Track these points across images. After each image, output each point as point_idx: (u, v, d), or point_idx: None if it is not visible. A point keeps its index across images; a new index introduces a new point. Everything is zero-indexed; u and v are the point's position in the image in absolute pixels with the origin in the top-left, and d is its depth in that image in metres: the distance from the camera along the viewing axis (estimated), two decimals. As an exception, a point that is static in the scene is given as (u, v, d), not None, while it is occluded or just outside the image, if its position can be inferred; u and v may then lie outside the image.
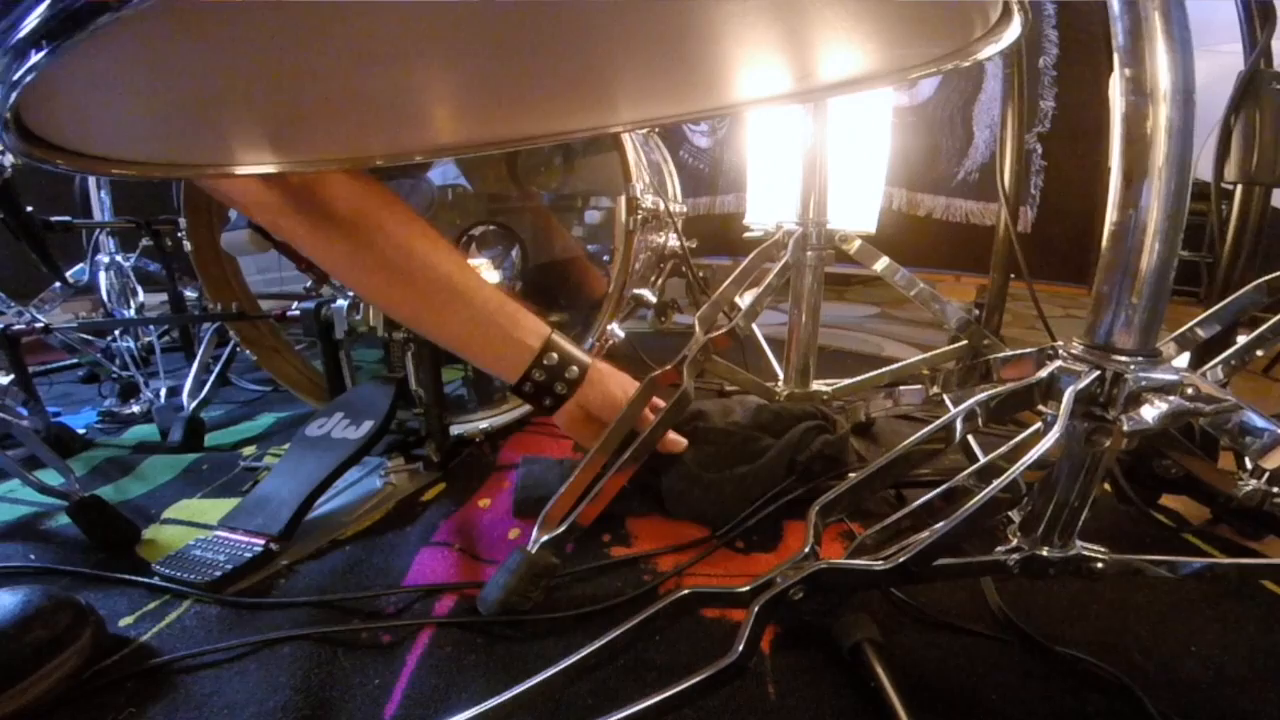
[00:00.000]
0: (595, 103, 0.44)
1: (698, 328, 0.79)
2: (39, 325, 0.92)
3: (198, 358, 1.02)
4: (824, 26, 0.32)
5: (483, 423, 0.87)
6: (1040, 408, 0.42)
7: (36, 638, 0.44)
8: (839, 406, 0.84)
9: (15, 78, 0.20)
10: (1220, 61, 0.71)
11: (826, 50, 0.36)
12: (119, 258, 1.24)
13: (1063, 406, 0.38)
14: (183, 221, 0.92)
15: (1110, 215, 0.36)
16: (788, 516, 0.67)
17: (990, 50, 0.33)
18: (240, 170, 0.46)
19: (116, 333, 1.23)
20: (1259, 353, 0.55)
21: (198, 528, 0.67)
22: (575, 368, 0.62)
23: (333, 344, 0.82)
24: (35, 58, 0.19)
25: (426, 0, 0.25)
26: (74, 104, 0.28)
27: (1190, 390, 0.37)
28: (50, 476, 0.68)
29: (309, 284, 0.85)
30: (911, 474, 0.67)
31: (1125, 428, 0.37)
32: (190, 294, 1.30)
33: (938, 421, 0.47)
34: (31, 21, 0.18)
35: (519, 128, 0.47)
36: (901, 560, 0.39)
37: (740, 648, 0.37)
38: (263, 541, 0.60)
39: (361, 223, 0.56)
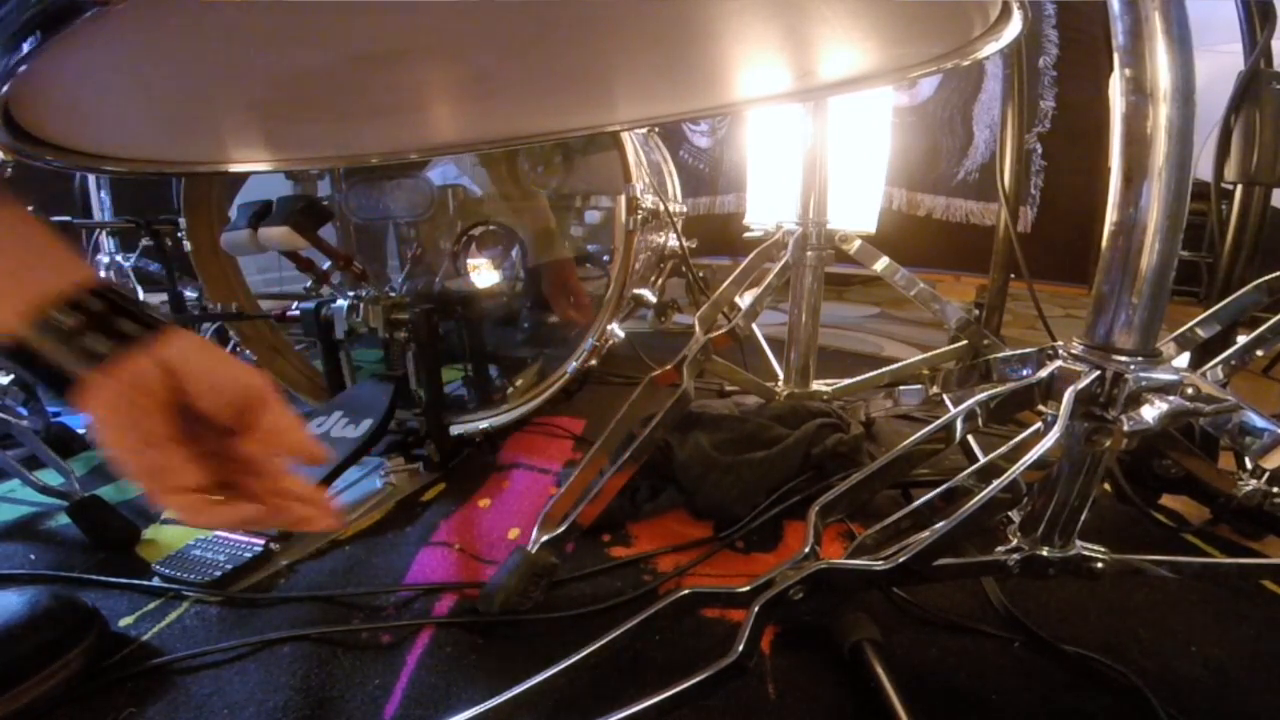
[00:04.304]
0: (595, 101, 0.44)
1: (698, 328, 0.79)
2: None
3: (198, 358, 1.01)
4: (824, 25, 0.32)
5: (483, 423, 0.87)
6: (1040, 408, 0.42)
7: (43, 637, 0.44)
8: (839, 406, 0.84)
9: (4, 71, 0.20)
10: (1220, 61, 0.71)
11: (826, 49, 0.36)
12: (119, 258, 1.24)
13: (1063, 406, 0.38)
14: (183, 221, 0.92)
15: (1110, 215, 0.36)
16: (788, 516, 0.67)
17: (990, 49, 0.33)
18: (233, 169, 0.46)
19: (116, 333, 1.22)
20: (1259, 353, 0.55)
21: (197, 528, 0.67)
22: (145, 312, 0.32)
23: (332, 344, 0.82)
24: (24, 51, 0.19)
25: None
26: (64, 100, 0.28)
27: (1190, 390, 0.37)
28: (50, 476, 0.68)
29: (309, 284, 0.84)
30: (911, 474, 0.67)
31: (1125, 428, 0.37)
32: (190, 294, 1.30)
33: (938, 421, 0.47)
34: (20, 17, 0.18)
35: (518, 126, 0.47)
36: (902, 560, 0.39)
37: (740, 648, 0.37)
38: (262, 541, 0.60)
39: None
